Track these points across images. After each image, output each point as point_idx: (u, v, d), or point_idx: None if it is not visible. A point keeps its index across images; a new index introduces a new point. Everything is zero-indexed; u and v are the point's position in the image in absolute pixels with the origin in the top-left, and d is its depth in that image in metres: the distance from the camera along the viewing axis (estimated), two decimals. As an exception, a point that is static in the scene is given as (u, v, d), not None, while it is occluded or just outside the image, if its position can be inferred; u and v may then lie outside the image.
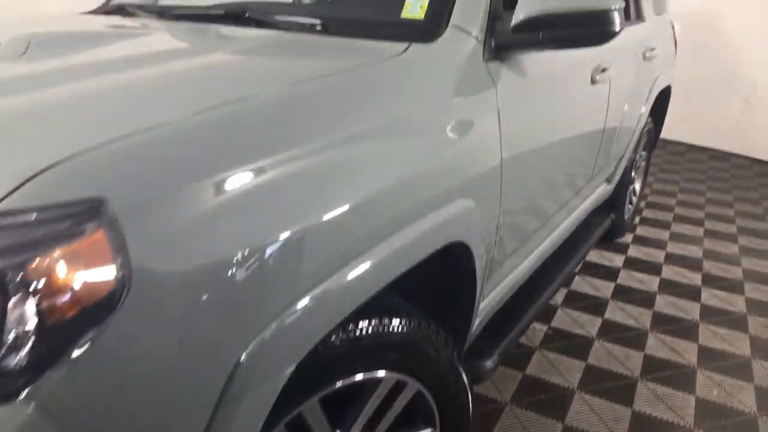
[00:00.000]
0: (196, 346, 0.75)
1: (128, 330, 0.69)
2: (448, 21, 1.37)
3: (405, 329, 1.15)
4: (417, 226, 1.10)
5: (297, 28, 1.43)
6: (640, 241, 3.37)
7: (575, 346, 2.32)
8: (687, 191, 4.28)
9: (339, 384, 1.06)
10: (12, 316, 0.64)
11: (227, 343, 0.79)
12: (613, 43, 1.47)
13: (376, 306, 1.07)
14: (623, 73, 2.43)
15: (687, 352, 2.31)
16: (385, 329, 1.11)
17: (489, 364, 1.65)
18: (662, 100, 3.29)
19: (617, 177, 2.90)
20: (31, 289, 0.64)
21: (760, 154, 5.15)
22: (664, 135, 3.80)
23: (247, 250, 0.79)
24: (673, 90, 3.44)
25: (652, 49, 2.81)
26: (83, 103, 0.93)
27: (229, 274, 0.77)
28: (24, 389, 0.64)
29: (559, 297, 2.68)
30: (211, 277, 0.75)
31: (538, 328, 2.43)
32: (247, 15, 1.52)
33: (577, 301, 2.66)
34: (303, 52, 1.30)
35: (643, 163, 3.50)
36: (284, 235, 0.84)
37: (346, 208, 0.93)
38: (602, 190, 2.75)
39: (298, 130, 0.94)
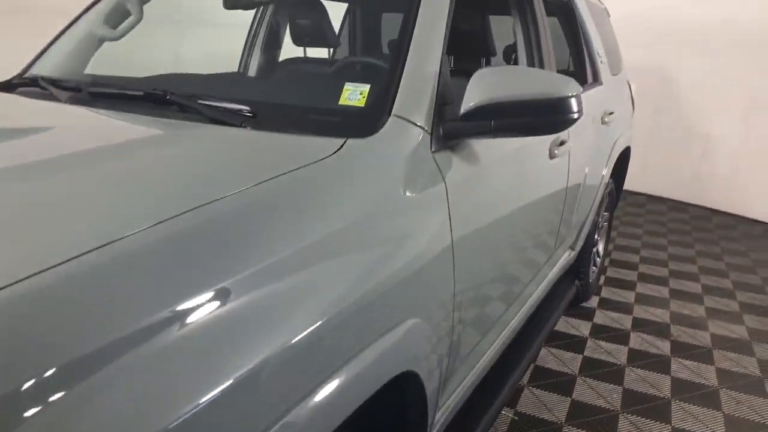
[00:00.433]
0: None
1: None
2: (391, 110, 1.23)
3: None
4: (357, 362, 0.93)
5: (221, 115, 1.26)
6: (605, 304, 3.26)
7: (543, 434, 2.15)
8: (649, 246, 4.23)
9: None
10: None
11: None
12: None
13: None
14: (582, 143, 2.34)
15: (661, 438, 2.17)
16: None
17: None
18: (622, 160, 3.25)
19: (580, 243, 2.79)
20: None
21: (718, 205, 5.18)
22: (624, 186, 3.75)
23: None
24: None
25: (611, 113, 2.76)
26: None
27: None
28: None
29: (525, 374, 2.52)
30: None
31: (503, 414, 2.25)
32: (168, 97, 1.35)
33: (544, 378, 2.50)
34: (220, 158, 1.10)
35: (605, 224, 3.43)
36: (191, 405, 0.66)
37: (262, 359, 0.76)
38: (566, 259, 2.64)
39: (206, 265, 0.77)
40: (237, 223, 0.85)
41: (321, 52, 2.89)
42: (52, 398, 0.58)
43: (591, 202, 2.74)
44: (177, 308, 0.71)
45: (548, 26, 2.19)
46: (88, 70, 1.81)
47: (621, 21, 3.79)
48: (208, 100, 1.31)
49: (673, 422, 2.25)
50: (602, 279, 3.58)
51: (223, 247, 0.81)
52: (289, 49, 2.33)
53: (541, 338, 2.30)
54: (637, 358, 2.71)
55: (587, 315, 3.11)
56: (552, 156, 1.92)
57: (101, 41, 1.90)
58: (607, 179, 2.92)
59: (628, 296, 3.38)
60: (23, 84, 1.71)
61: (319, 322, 0.86)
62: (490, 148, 1.48)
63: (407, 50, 1.34)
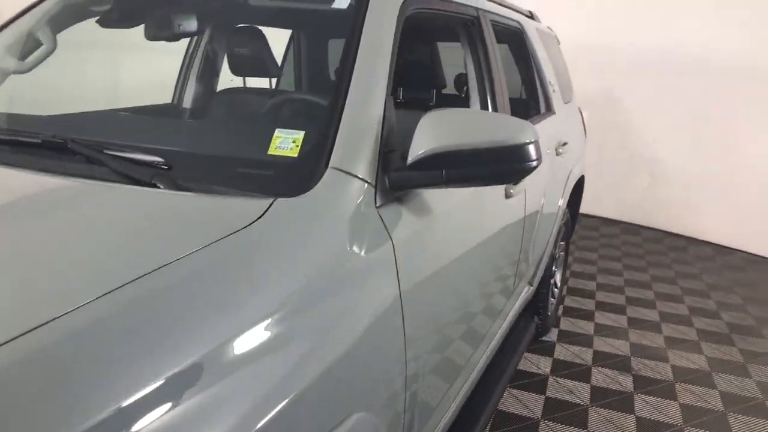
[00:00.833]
0: None
1: None
2: (328, 160, 1.07)
3: None
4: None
5: (129, 169, 1.07)
6: (565, 337, 3.16)
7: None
8: (605, 272, 4.19)
9: None
10: None
11: None
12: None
13: None
14: (538, 178, 2.24)
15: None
16: None
17: None
18: (577, 189, 3.18)
19: (539, 278, 2.69)
20: None
21: (669, 227, 5.23)
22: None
23: None
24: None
25: (565, 144, 2.68)
26: None
27: None
28: None
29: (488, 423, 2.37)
30: None
31: (465, 469, 2.09)
32: (69, 146, 1.15)
33: (506, 424, 2.36)
34: (125, 229, 0.92)
35: (562, 254, 3.35)
36: None
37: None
38: (525, 295, 2.52)
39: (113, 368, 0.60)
40: (145, 317, 0.68)
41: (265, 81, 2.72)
42: None
43: (548, 235, 2.64)
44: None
45: (499, 54, 2.09)
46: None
47: (567, 47, 3.77)
48: (116, 149, 1.12)
49: (641, 469, 2.14)
50: (560, 309, 3.50)
51: (138, 344, 0.63)
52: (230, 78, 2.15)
53: (502, 386, 2.16)
54: (600, 396, 2.61)
55: (547, 350, 3.01)
56: (508, 195, 1.80)
57: (4, 75, 1.69)
58: (563, 210, 2.84)
59: (587, 327, 3.30)
60: None
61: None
62: (442, 196, 1.34)
63: (347, 89, 1.18)
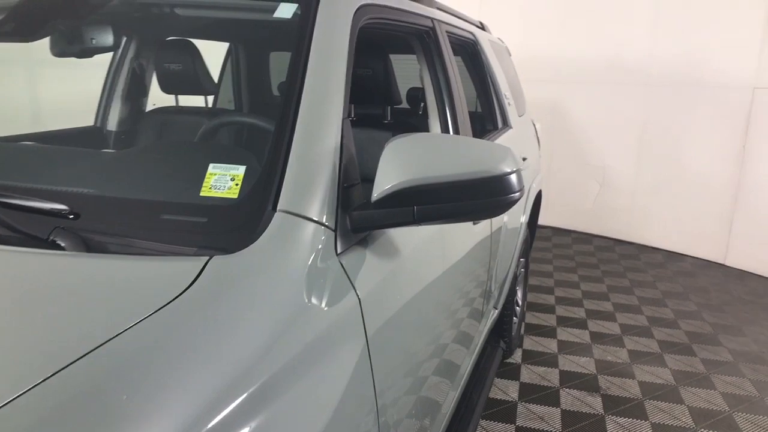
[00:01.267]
0: None
1: None
2: (276, 202, 0.88)
3: None
4: None
5: (22, 224, 0.84)
6: (530, 357, 3.04)
7: None
8: (562, 284, 4.13)
9: None
10: None
11: None
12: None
13: None
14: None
15: None
16: None
17: None
18: (536, 204, 3.09)
19: (503, 300, 2.56)
20: None
21: (619, 235, 5.26)
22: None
23: None
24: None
25: (524, 159, 2.57)
26: None
27: None
28: None
29: (456, 460, 2.20)
30: None
31: None
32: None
33: (477, 461, 2.21)
34: (21, 316, 0.70)
35: (522, 270, 3.24)
36: None
37: None
38: (491, 320, 2.38)
39: None
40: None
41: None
42: None
43: (512, 255, 2.52)
44: None
45: (457, 67, 1.95)
46: None
47: (515, 58, 3.71)
48: (9, 195, 0.89)
49: (621, 501, 2.03)
50: (522, 327, 3.39)
51: None
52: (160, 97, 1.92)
53: (476, 420, 1.99)
54: (571, 420, 2.49)
55: (513, 373, 2.88)
56: (476, 222, 1.65)
57: None
58: (525, 228, 2.73)
59: (551, 345, 3.20)
60: None
61: None
62: (409, 231, 1.17)
63: (295, 113, 0.99)
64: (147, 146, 1.55)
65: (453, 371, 1.64)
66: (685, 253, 4.87)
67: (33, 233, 0.80)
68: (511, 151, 1.00)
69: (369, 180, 1.08)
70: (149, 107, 2.05)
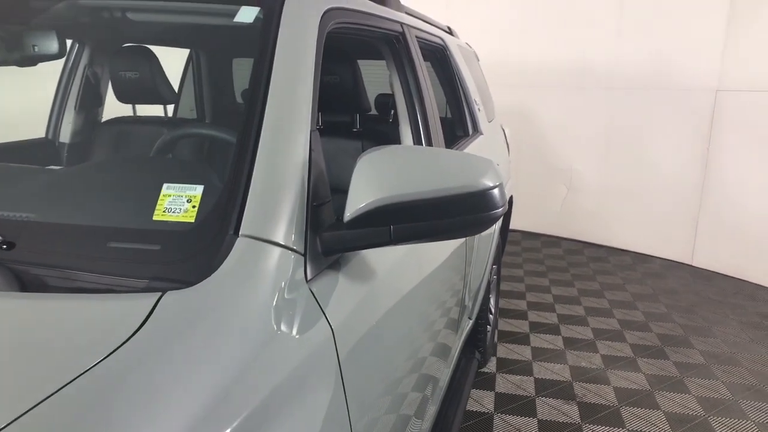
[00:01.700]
0: None
1: None
2: (239, 225, 0.79)
3: None
4: None
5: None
6: (504, 366, 3.00)
7: None
8: (533, 289, 4.12)
9: None
10: None
11: None
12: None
13: None
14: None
15: None
16: None
17: None
18: (508, 210, 3.05)
19: (477, 309, 2.50)
20: None
21: (587, 237, 5.29)
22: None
23: None
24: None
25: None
26: None
27: None
28: None
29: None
30: None
31: None
32: None
33: (455, 478, 2.14)
34: None
35: (494, 277, 3.20)
36: None
37: None
38: (466, 330, 2.32)
39: None
40: None
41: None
42: None
43: (485, 262, 2.47)
44: None
45: (427, 72, 1.89)
46: None
47: (482, 62, 3.68)
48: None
49: None
50: (496, 334, 3.35)
51: None
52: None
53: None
54: (548, 431, 2.45)
55: (488, 383, 2.83)
56: (451, 233, 1.59)
57: None
58: (497, 235, 2.68)
59: (525, 352, 3.16)
60: None
61: None
62: (384, 252, 1.09)
63: (259, 125, 0.91)
64: (94, 164, 1.44)
65: (431, 387, 1.57)
66: (652, 254, 4.93)
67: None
68: (493, 164, 0.94)
69: (339, 191, 1.01)
70: (108, 116, 1.93)
